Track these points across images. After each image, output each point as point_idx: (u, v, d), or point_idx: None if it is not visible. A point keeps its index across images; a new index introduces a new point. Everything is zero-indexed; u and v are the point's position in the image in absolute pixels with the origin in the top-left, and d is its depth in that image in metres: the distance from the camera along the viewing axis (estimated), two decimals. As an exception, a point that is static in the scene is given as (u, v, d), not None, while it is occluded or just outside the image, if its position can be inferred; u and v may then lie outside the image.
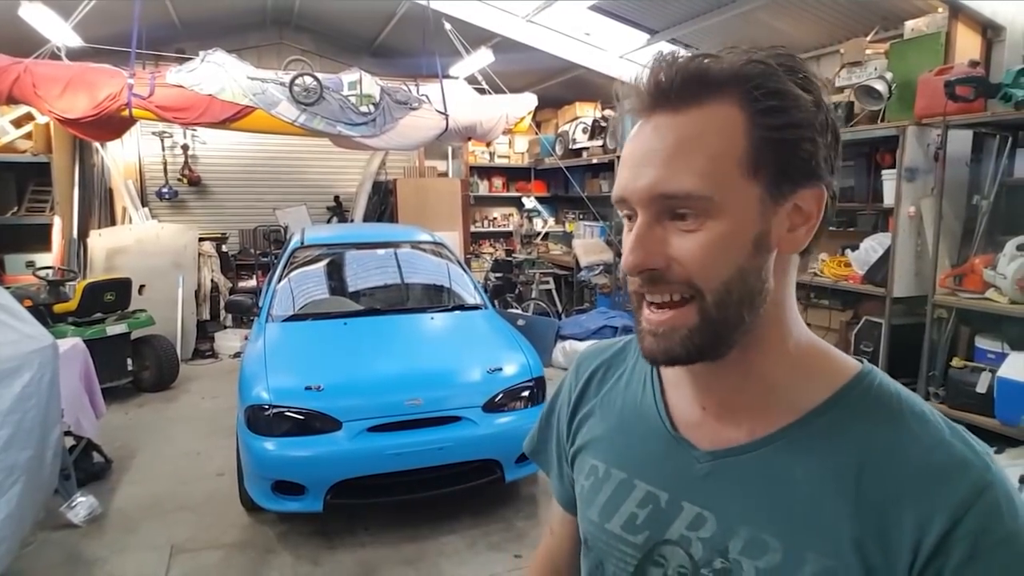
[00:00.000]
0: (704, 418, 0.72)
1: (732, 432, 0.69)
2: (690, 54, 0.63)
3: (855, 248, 4.32)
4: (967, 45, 3.83)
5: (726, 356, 0.65)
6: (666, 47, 5.80)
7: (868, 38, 4.54)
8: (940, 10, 3.96)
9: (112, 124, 5.38)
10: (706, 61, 0.61)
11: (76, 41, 5.48)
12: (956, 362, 3.73)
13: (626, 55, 6.73)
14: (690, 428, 0.73)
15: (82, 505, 3.33)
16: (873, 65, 4.15)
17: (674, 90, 0.61)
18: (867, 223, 4.60)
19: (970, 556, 0.57)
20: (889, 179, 4.03)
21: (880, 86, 3.97)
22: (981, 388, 3.46)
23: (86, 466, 3.81)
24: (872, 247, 4.20)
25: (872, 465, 0.62)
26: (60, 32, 5.23)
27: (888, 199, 4.03)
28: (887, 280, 3.94)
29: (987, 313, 3.56)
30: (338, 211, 8.72)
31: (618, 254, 7.17)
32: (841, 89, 4.30)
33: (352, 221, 8.41)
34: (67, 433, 3.48)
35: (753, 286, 0.63)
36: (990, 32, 3.86)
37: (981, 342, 3.68)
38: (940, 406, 3.71)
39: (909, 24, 4.16)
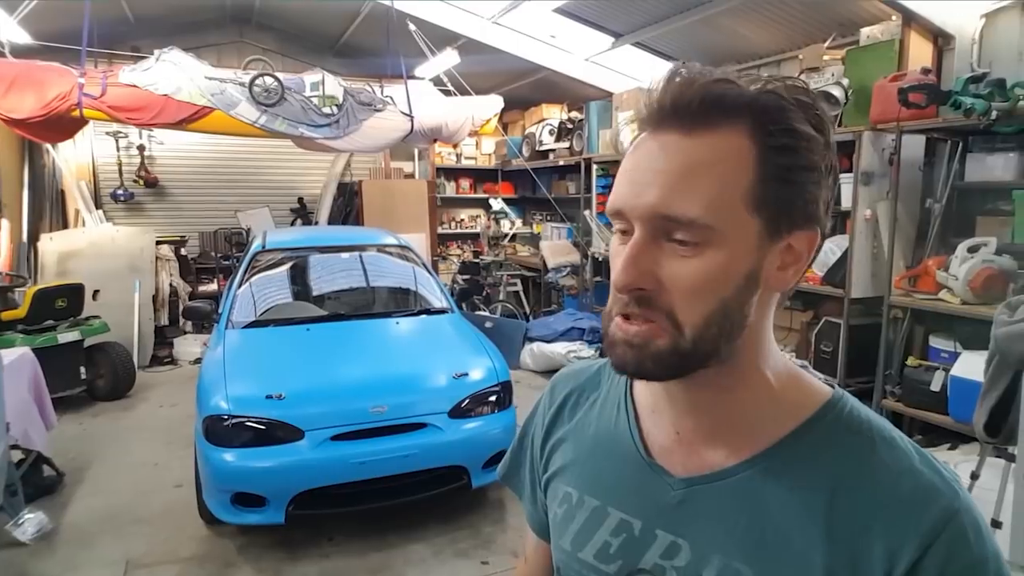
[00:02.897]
0: (678, 444, 0.71)
1: (707, 459, 0.69)
2: (706, 73, 0.60)
3: (815, 250, 4.40)
4: (920, 53, 3.94)
5: (703, 382, 0.65)
6: (632, 51, 5.86)
7: (826, 44, 4.64)
8: (894, 18, 4.07)
9: (62, 125, 5.17)
10: (724, 86, 0.59)
11: (22, 37, 5.27)
12: (911, 361, 3.83)
13: (591, 58, 6.77)
14: (664, 454, 0.72)
15: (30, 522, 3.20)
16: (831, 71, 4.24)
17: (688, 111, 0.59)
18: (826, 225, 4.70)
19: None
20: (846, 183, 4.11)
21: (837, 92, 4.06)
22: (935, 386, 3.56)
23: (36, 480, 3.67)
24: (831, 249, 4.29)
25: (843, 493, 0.62)
26: (4, 27, 5.01)
27: (846, 202, 4.11)
28: (845, 281, 4.03)
29: (940, 313, 3.67)
30: (302, 213, 8.58)
31: (585, 255, 7.20)
32: (800, 94, 4.39)
33: (316, 223, 8.28)
34: (14, 447, 3.35)
35: (734, 320, 0.62)
36: (941, 40, 3.98)
37: (935, 342, 3.79)
38: (896, 404, 3.81)
39: (865, 31, 4.26)
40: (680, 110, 0.59)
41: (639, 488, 0.72)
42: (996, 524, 2.41)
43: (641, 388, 0.78)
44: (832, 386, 0.71)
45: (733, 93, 0.59)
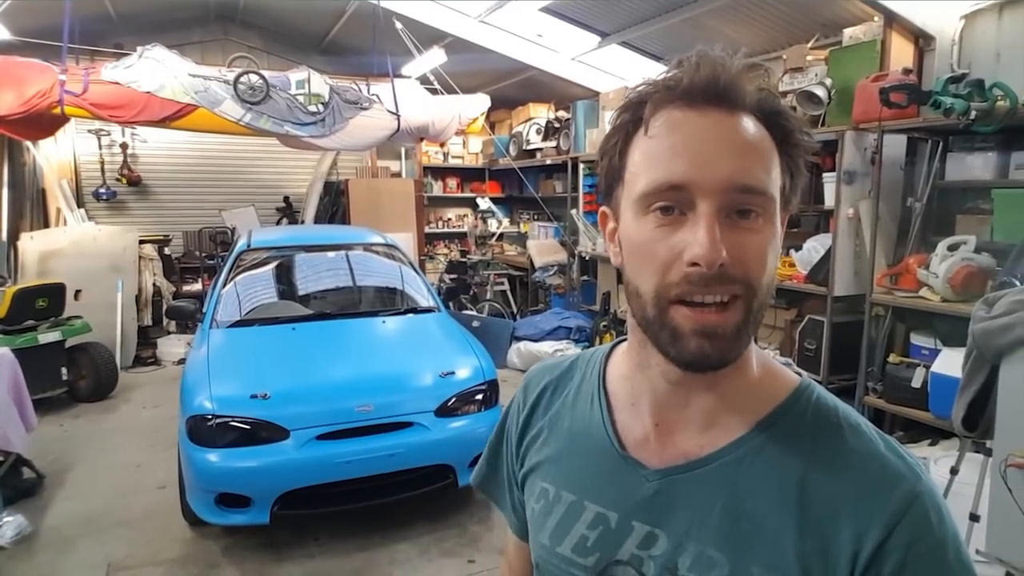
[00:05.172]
0: (655, 436, 0.72)
1: (682, 449, 0.70)
2: (730, 59, 0.63)
3: (798, 248, 4.44)
4: (901, 53, 3.99)
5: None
6: (619, 50, 5.88)
7: (809, 45, 4.68)
8: (876, 19, 4.11)
9: (43, 122, 5.10)
10: (745, 76, 0.63)
11: (2, 34, 5.19)
12: (893, 358, 3.87)
13: (578, 57, 6.78)
14: (638, 447, 0.73)
15: (9, 525, 3.16)
16: (814, 71, 4.27)
17: (725, 93, 0.62)
18: (809, 224, 4.75)
19: (902, 565, 0.59)
20: (829, 182, 4.15)
21: (820, 91, 4.09)
22: (916, 383, 3.60)
23: (15, 483, 3.62)
24: (814, 247, 4.33)
25: (813, 478, 0.64)
26: (-16, 24, 4.95)
27: (829, 201, 4.15)
28: (828, 279, 4.06)
29: (921, 311, 3.70)
30: (288, 212, 8.52)
31: (572, 254, 7.22)
32: (784, 94, 4.42)
33: (303, 222, 8.23)
34: (-7, 449, 3.31)
35: (771, 294, 0.65)
36: (922, 41, 4.03)
37: (916, 339, 3.83)
38: (878, 400, 3.85)
39: (847, 32, 4.30)
40: (720, 91, 0.62)
41: (614, 481, 0.73)
42: (974, 518, 2.45)
43: (617, 382, 0.79)
44: (799, 374, 0.73)
45: (750, 86, 0.63)
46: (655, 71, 0.66)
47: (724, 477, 0.66)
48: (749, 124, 0.62)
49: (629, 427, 0.75)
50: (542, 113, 8.09)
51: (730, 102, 0.62)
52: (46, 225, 7.06)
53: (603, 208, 0.73)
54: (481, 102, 6.72)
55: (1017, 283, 2.94)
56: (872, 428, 0.67)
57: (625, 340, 0.79)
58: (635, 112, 0.65)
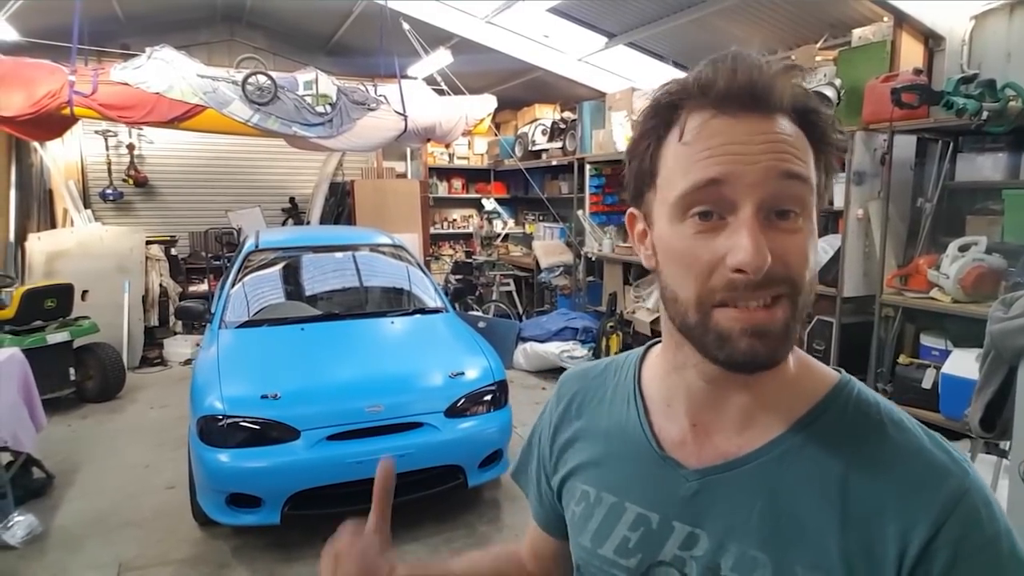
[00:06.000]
0: (692, 436, 0.72)
1: (721, 448, 0.69)
2: (763, 61, 0.62)
3: (807, 249, 4.43)
4: (911, 53, 3.98)
5: None
6: (625, 51, 5.86)
7: (818, 45, 4.67)
8: (885, 19, 4.11)
9: (52, 123, 5.12)
10: (781, 77, 0.62)
11: (10, 35, 5.21)
12: (903, 359, 3.86)
13: (584, 58, 6.78)
14: (676, 447, 0.73)
15: (19, 525, 3.16)
16: (823, 72, 4.26)
17: (764, 96, 0.61)
18: (818, 225, 4.72)
19: (952, 563, 0.58)
20: (839, 182, 4.13)
21: (830, 92, 4.08)
22: (926, 384, 3.59)
23: (25, 483, 3.63)
24: (823, 248, 4.31)
25: (856, 476, 0.63)
26: (-7, 25, 4.97)
27: (838, 202, 4.14)
28: (838, 280, 4.05)
29: (931, 312, 3.69)
30: (294, 213, 8.53)
31: (578, 255, 7.21)
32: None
33: (308, 223, 8.24)
34: (3, 449, 3.32)
35: (815, 290, 0.65)
36: (932, 41, 4.02)
37: (926, 340, 3.82)
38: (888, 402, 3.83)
39: (857, 32, 4.29)
40: (756, 96, 0.61)
41: (654, 482, 0.73)
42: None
43: (653, 383, 0.78)
44: (838, 370, 0.72)
45: (787, 87, 0.62)
46: (660, 72, 0.65)
47: (764, 476, 0.66)
48: (785, 124, 0.61)
49: (666, 428, 0.74)
50: (548, 114, 8.09)
51: (765, 106, 0.61)
52: (53, 226, 7.08)
53: (631, 210, 0.72)
54: (487, 103, 6.73)
55: (1030, 284, 2.92)
56: (916, 424, 0.66)
57: (659, 342, 0.79)
58: (666, 115, 0.64)
